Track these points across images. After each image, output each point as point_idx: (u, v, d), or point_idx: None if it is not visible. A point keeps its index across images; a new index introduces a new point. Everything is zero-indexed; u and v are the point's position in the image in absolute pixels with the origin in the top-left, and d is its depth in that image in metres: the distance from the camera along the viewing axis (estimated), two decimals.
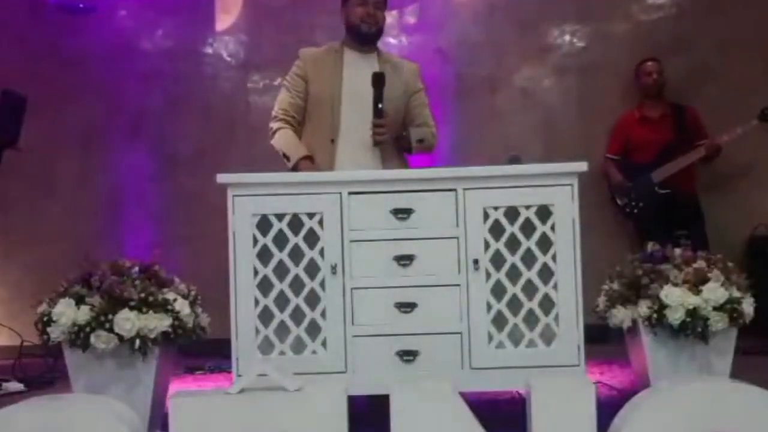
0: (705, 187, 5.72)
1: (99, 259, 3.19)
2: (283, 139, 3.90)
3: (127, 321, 2.99)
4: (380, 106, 3.75)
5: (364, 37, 3.92)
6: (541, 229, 3.23)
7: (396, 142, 3.90)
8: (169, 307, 3.08)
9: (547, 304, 3.22)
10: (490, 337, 3.21)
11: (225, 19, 6.03)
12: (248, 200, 3.25)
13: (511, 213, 3.23)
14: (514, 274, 3.23)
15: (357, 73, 3.90)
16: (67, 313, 3.02)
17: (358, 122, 3.85)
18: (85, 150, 5.88)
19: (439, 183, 3.25)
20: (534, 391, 2.68)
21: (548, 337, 3.22)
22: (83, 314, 3.01)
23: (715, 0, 5.92)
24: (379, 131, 3.78)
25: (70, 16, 5.88)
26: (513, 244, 3.23)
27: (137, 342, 3.01)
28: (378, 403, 3.00)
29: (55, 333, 3.04)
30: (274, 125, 3.96)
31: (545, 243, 3.23)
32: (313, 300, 3.24)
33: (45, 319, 3.07)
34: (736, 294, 3.15)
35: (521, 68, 6.02)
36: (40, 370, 4.46)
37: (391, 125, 3.83)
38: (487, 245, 3.22)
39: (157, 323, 3.03)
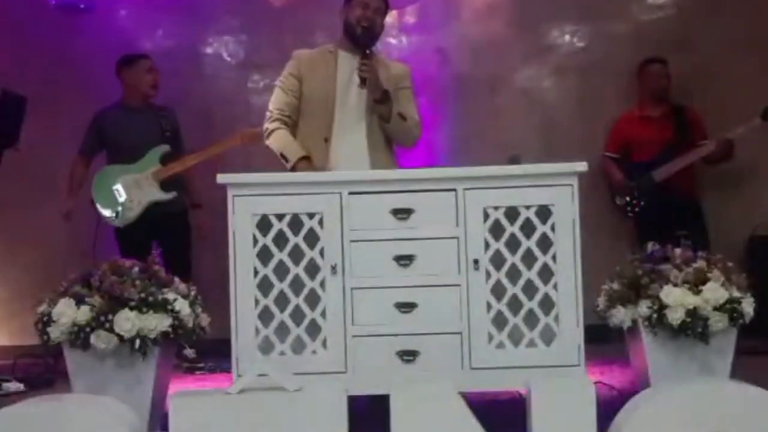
0: (705, 187, 5.71)
1: (99, 260, 3.19)
2: (280, 140, 3.94)
3: (127, 321, 2.99)
4: (368, 51, 3.87)
5: (359, 39, 3.94)
6: (541, 229, 3.22)
7: (376, 103, 3.90)
8: (169, 307, 3.08)
9: (547, 304, 3.22)
10: (490, 337, 3.21)
11: (225, 19, 6.03)
12: (248, 200, 3.25)
13: (511, 213, 3.23)
14: (514, 274, 3.23)
15: (350, 73, 3.95)
16: (67, 313, 3.02)
17: (351, 122, 3.94)
18: None
19: (439, 183, 3.25)
20: (534, 391, 2.68)
21: (548, 337, 3.22)
22: (83, 314, 3.01)
23: (715, 0, 5.91)
24: (363, 67, 3.83)
25: (70, 16, 5.88)
26: (513, 244, 3.23)
27: (137, 342, 3.00)
28: (378, 403, 3.00)
29: (55, 333, 3.04)
30: (270, 125, 3.98)
31: (545, 243, 3.23)
32: (313, 300, 3.24)
33: (45, 319, 3.07)
34: (736, 294, 3.14)
35: (521, 68, 6.01)
36: (40, 370, 4.45)
37: (378, 78, 3.86)
38: (487, 245, 3.22)
39: (157, 323, 3.03)
